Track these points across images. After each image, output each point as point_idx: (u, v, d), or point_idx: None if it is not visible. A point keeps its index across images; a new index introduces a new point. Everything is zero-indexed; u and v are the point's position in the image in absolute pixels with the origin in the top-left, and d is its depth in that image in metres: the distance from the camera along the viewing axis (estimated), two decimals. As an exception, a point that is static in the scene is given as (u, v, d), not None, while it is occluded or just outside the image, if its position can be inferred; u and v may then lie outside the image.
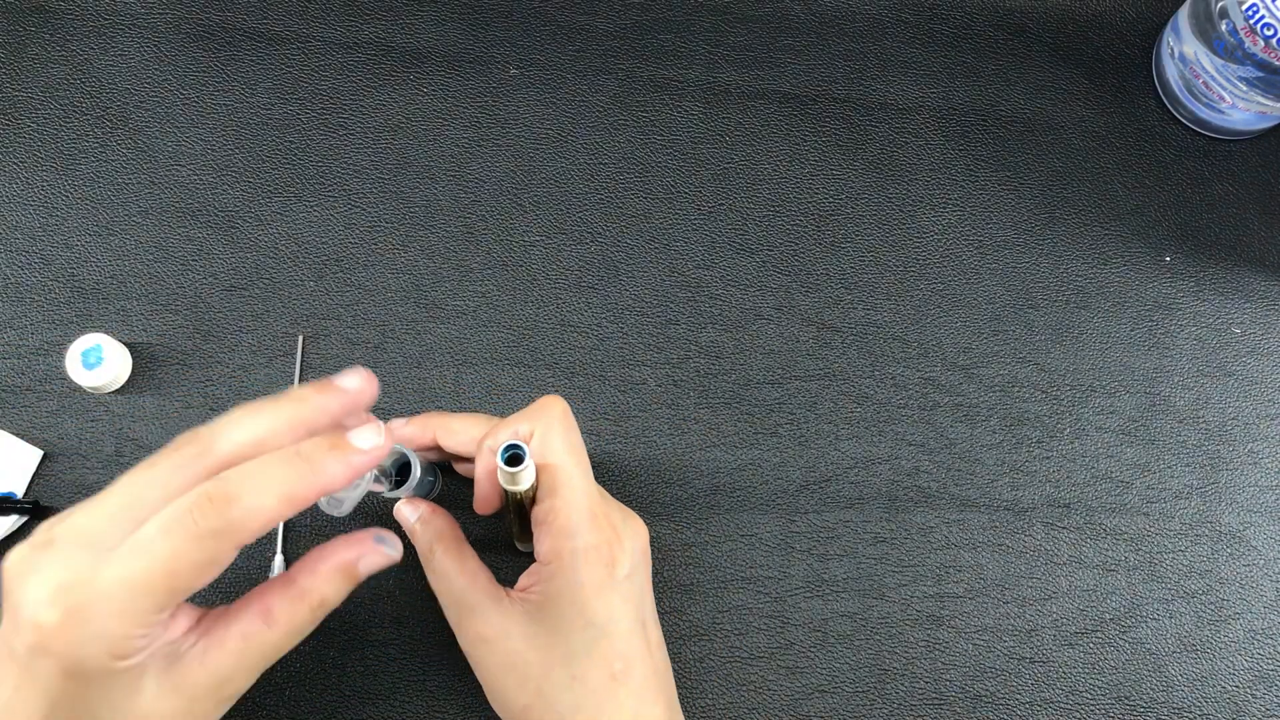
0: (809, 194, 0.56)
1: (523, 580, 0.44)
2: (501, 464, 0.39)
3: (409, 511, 0.46)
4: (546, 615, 0.41)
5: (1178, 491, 0.54)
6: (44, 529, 0.35)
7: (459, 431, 0.45)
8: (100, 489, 0.49)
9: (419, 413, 0.47)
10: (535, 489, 0.42)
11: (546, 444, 0.42)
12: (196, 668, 0.35)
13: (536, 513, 0.43)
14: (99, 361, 0.49)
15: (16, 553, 0.35)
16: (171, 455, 0.36)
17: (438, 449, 0.46)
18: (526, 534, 0.45)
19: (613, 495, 0.51)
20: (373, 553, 0.40)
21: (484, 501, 0.44)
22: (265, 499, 0.35)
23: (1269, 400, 0.55)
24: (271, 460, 0.35)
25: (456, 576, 0.44)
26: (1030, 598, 0.51)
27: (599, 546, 0.42)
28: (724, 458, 0.52)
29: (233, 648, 0.36)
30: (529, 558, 0.46)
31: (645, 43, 0.58)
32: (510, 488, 0.41)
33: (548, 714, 0.41)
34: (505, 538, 0.49)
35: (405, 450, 0.45)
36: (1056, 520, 0.53)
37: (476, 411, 0.51)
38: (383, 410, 0.51)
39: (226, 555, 0.35)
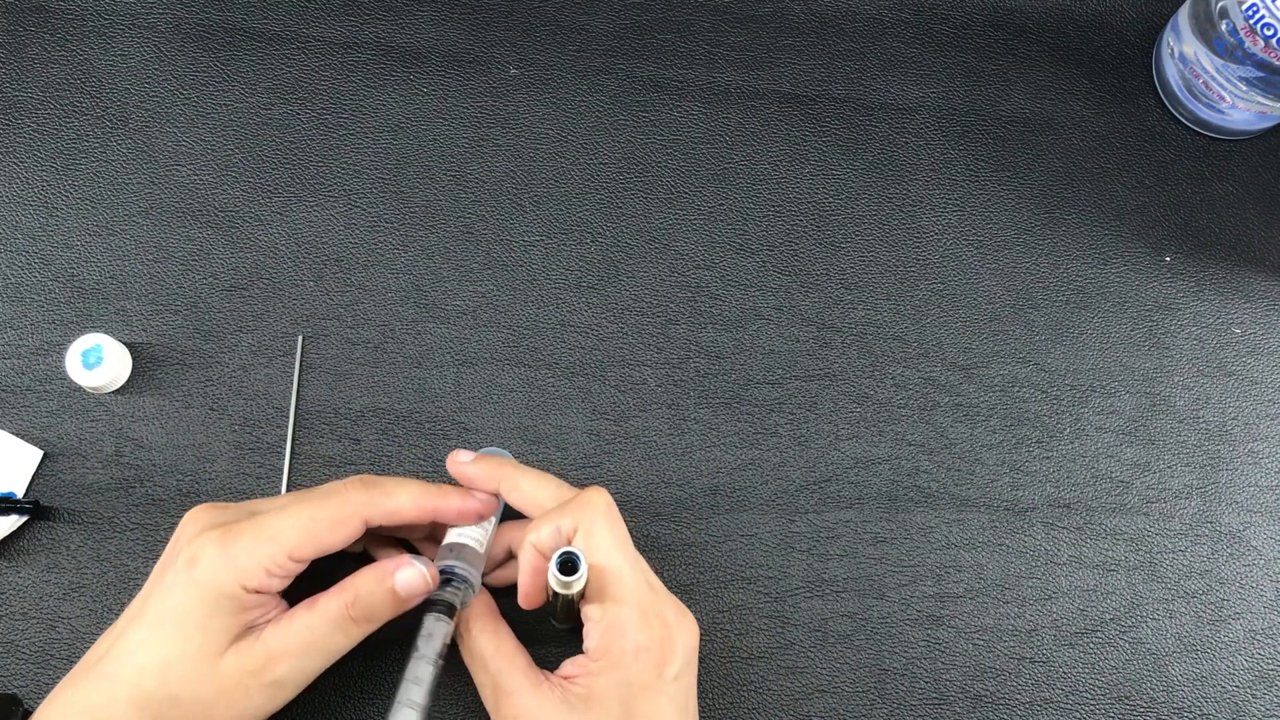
0: (809, 194, 0.56)
1: (567, 668, 0.43)
2: (555, 572, 0.40)
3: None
4: (590, 709, 0.41)
5: (1178, 491, 0.54)
6: (223, 503, 0.44)
7: (526, 492, 0.45)
8: (100, 489, 0.49)
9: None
10: (585, 586, 0.42)
11: (592, 541, 0.42)
12: (255, 641, 0.41)
13: (586, 610, 0.42)
14: (99, 361, 0.49)
15: (198, 508, 0.43)
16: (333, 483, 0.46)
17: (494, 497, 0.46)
18: (568, 617, 0.44)
19: (613, 495, 0.51)
20: (408, 566, 0.43)
21: (528, 598, 0.44)
22: (402, 495, 0.44)
23: (1269, 400, 0.55)
24: (414, 480, 0.45)
25: (494, 657, 0.43)
26: (1030, 598, 0.51)
27: (650, 647, 0.41)
28: (724, 458, 0.52)
29: (282, 627, 0.41)
30: (568, 636, 0.46)
31: (645, 43, 0.58)
32: (562, 592, 0.41)
33: None
34: (542, 615, 0.48)
35: (467, 570, 0.45)
36: (1056, 520, 0.53)
37: (479, 407, 0.51)
38: (383, 409, 0.51)
39: (357, 526, 0.42)
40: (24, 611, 0.48)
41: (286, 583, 0.42)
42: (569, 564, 0.40)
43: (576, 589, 0.41)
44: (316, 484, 0.49)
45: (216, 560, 0.40)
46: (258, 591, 0.41)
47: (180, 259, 0.52)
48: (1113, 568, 0.52)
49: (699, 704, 0.48)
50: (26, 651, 0.47)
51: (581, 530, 0.42)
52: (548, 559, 0.42)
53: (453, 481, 0.47)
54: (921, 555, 0.52)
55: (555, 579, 0.40)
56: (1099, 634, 0.51)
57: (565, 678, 0.43)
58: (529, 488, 0.45)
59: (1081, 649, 0.51)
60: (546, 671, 0.43)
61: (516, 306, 0.53)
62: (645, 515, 0.51)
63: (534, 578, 0.43)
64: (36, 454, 0.49)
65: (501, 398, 0.52)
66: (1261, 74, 0.53)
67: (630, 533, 0.51)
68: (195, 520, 0.42)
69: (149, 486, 0.49)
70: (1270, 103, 0.55)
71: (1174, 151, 0.58)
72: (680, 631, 0.42)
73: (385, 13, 0.57)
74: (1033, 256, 0.56)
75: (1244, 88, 0.54)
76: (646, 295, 0.54)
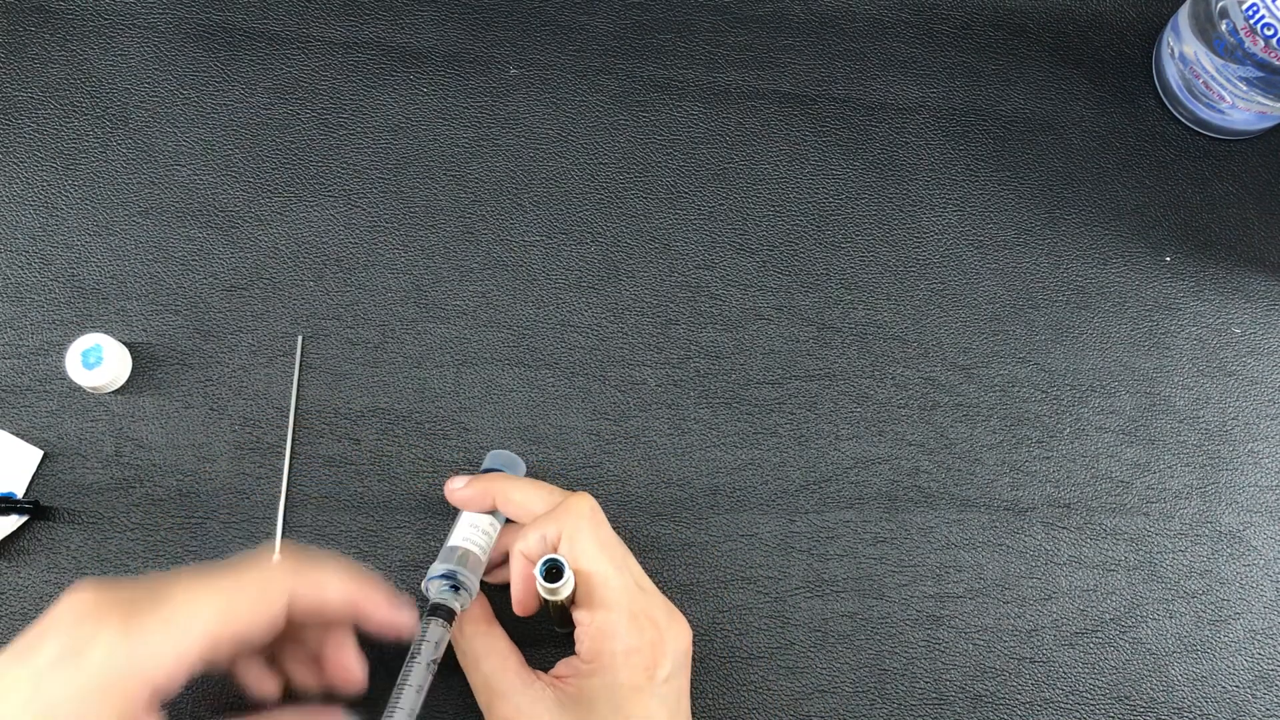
0: (809, 194, 0.56)
1: (560, 668, 0.44)
2: (540, 579, 0.40)
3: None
4: (581, 709, 0.41)
5: (1178, 491, 0.54)
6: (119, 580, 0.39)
7: (518, 502, 0.45)
8: (100, 489, 0.49)
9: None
10: (574, 592, 0.42)
11: (576, 547, 0.42)
12: None
13: (576, 615, 0.43)
14: (99, 361, 0.49)
15: (85, 582, 0.38)
16: None
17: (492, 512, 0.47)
18: (565, 621, 0.45)
19: (613, 495, 0.51)
20: None
21: (521, 605, 0.44)
22: (331, 578, 0.40)
23: (1269, 400, 0.55)
24: (343, 563, 0.42)
25: (487, 657, 0.44)
26: (1030, 598, 0.51)
27: (640, 649, 0.41)
28: (724, 458, 0.52)
29: None
30: (564, 637, 0.46)
31: (645, 43, 0.58)
32: (551, 598, 0.41)
33: None
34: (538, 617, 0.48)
35: (463, 574, 0.45)
36: (1056, 520, 0.53)
37: (479, 407, 0.51)
38: (383, 409, 0.51)
39: (280, 609, 0.39)
40: (24, 611, 0.48)
41: (183, 684, 0.36)
42: (553, 571, 0.40)
43: (564, 595, 0.41)
44: (316, 484, 0.49)
45: (113, 648, 0.34)
46: (158, 689, 0.35)
47: (180, 259, 0.52)
48: (1113, 568, 0.52)
49: (697, 704, 0.48)
50: (26, 651, 0.47)
51: (565, 536, 0.42)
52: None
53: (451, 508, 0.47)
54: (921, 555, 0.52)
55: (542, 587, 0.40)
56: (1099, 634, 0.51)
57: (558, 678, 0.43)
58: (520, 498, 0.45)
59: (1081, 649, 0.51)
60: (539, 671, 0.43)
61: (516, 306, 0.53)
62: (645, 515, 0.51)
63: (525, 585, 0.44)
64: (36, 454, 0.49)
65: (501, 398, 0.52)
66: (1261, 74, 0.53)
67: (630, 533, 0.51)
68: (80, 596, 0.36)
69: (149, 486, 0.49)
70: (1270, 103, 0.55)
71: (1174, 151, 0.58)
72: (671, 634, 0.43)
73: (385, 13, 0.57)
74: (1033, 256, 0.56)
75: (1244, 88, 0.54)
76: (646, 295, 0.54)
